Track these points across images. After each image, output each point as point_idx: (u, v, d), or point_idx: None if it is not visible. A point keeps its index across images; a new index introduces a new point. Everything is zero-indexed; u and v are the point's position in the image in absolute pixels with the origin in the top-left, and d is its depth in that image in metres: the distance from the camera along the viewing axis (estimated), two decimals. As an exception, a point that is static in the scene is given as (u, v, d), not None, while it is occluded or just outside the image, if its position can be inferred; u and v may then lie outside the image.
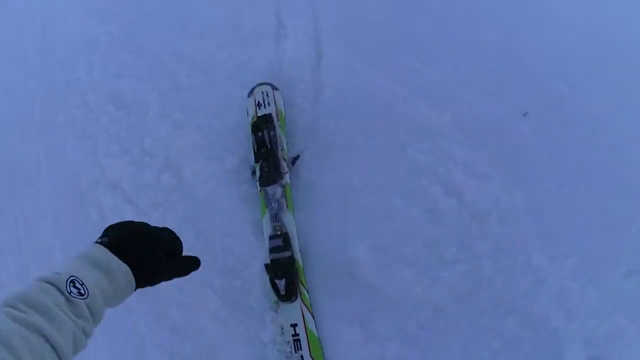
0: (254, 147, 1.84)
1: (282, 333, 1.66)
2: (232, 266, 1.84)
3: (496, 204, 1.74)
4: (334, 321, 1.66)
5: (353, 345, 1.63)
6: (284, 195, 1.83)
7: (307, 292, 1.67)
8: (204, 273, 1.90)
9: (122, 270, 0.69)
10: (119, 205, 2.11)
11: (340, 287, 1.69)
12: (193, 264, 0.81)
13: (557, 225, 1.68)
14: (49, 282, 0.61)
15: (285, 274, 1.63)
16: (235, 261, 1.84)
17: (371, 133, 1.92)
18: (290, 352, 1.62)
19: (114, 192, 2.15)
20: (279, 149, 1.89)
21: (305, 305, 1.66)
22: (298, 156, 1.92)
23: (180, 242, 0.82)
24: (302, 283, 1.68)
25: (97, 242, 0.71)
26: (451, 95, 1.95)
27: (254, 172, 1.94)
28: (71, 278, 0.62)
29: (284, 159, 1.89)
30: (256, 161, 1.84)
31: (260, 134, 1.81)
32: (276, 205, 1.81)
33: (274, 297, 1.69)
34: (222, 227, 1.92)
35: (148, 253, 0.73)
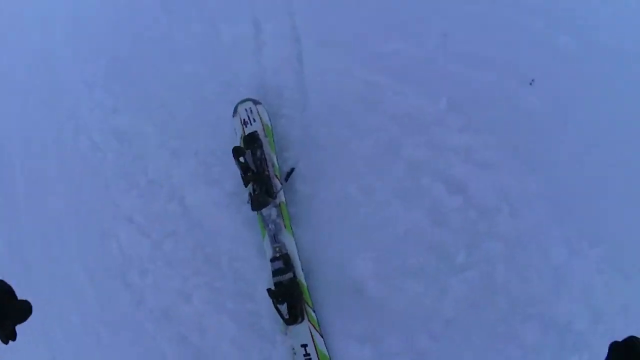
0: (240, 173, 1.77)
1: (294, 353, 1.63)
2: (242, 290, 1.81)
3: (506, 195, 1.56)
4: (343, 339, 1.59)
5: (365, 363, 1.56)
6: (280, 215, 1.75)
7: (314, 312, 1.61)
8: (217, 298, 1.97)
9: None
10: (135, 238, 2.15)
11: (347, 304, 1.61)
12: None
13: (578, 212, 1.48)
14: None
15: (286, 298, 1.58)
16: (244, 285, 1.82)
17: (362, 134, 1.78)
18: (303, 375, 1.60)
19: (129, 226, 2.19)
20: (269, 167, 1.81)
21: (313, 325, 1.60)
22: (293, 169, 1.82)
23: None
24: (307, 303, 1.62)
25: None
26: (442, 73, 1.75)
27: (250, 195, 1.88)
28: None
29: (276, 176, 1.80)
30: (245, 185, 1.77)
31: (241, 159, 1.72)
32: (273, 227, 1.74)
33: (282, 320, 1.65)
34: (229, 251, 1.90)
35: None
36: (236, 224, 1.91)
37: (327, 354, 1.57)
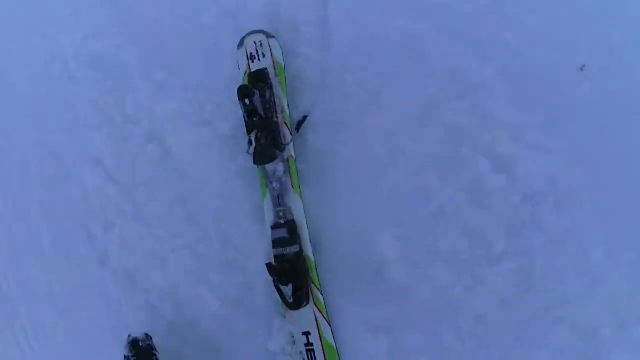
0: (244, 116, 1.40)
1: (294, 342, 1.33)
2: (231, 259, 1.48)
3: (552, 184, 1.29)
4: (354, 329, 1.31)
5: (376, 357, 1.28)
6: (288, 171, 1.40)
7: (322, 294, 1.31)
8: (199, 266, 1.62)
9: None
10: (102, 183, 1.75)
11: (362, 287, 1.32)
12: None
13: (621, 212, 1.24)
14: None
15: (292, 278, 1.26)
16: (234, 252, 1.48)
17: (396, 88, 1.43)
18: (303, 364, 1.31)
19: (96, 168, 1.77)
20: (278, 113, 1.44)
21: (320, 310, 1.30)
22: (305, 118, 1.46)
23: None
24: (314, 284, 1.32)
25: None
26: (496, 39, 1.41)
27: (251, 143, 1.51)
28: None
29: (286, 124, 1.44)
30: (248, 132, 1.40)
31: (248, 100, 1.35)
32: (278, 186, 1.40)
33: (280, 301, 1.34)
34: (217, 210, 1.54)
35: None
36: (229, 175, 1.54)
37: (334, 344, 1.28)
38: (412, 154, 1.36)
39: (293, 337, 1.33)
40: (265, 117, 1.37)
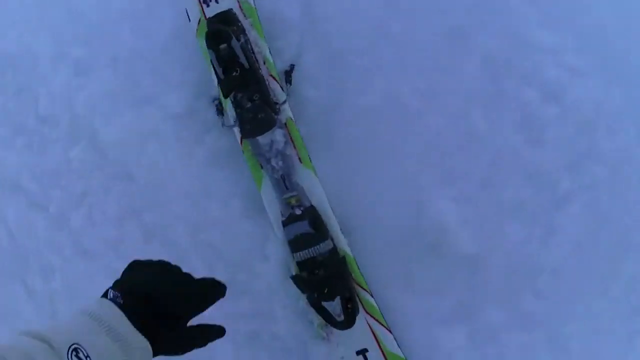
0: (216, 73, 0.93)
1: (345, 367, 0.97)
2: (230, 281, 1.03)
3: (598, 109, 1.09)
4: (421, 327, 0.98)
5: (456, 353, 0.99)
6: (290, 140, 0.98)
7: (372, 296, 0.95)
8: None
9: (141, 345, 0.50)
10: (24, 214, 1.14)
11: (420, 271, 0.99)
12: (217, 335, 0.59)
13: None
14: (46, 342, 0.43)
15: (336, 288, 0.87)
16: (229, 273, 1.03)
17: (410, 15, 1.07)
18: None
19: (17, 196, 1.16)
20: (261, 64, 1.00)
21: (374, 317, 0.94)
22: (292, 67, 1.04)
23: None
24: (360, 286, 0.95)
25: (110, 298, 0.52)
26: None
27: (219, 111, 1.04)
28: (74, 346, 0.45)
29: (272, 77, 1.00)
30: (225, 95, 0.94)
31: (224, 46, 0.89)
32: (280, 163, 0.97)
33: (318, 320, 0.95)
34: (188, 217, 1.06)
35: (173, 326, 0.54)
36: (197, 167, 1.07)
37: (401, 354, 0.94)
38: (448, 92, 1.03)
39: (345, 361, 0.96)
40: (249, 68, 0.91)
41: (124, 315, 0.51)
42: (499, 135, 1.03)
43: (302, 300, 0.96)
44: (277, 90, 0.99)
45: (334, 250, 0.93)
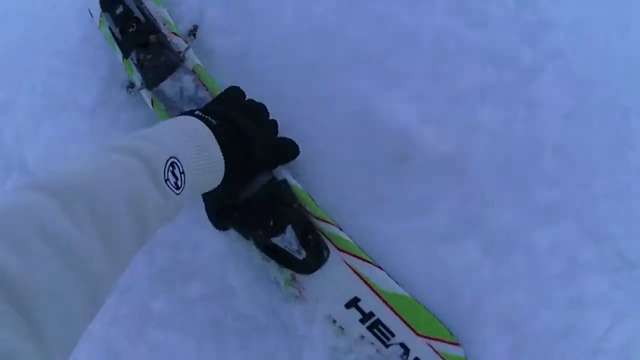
0: (113, 34, 0.84)
1: (342, 330, 0.71)
2: (174, 266, 0.82)
3: None
4: (417, 252, 0.75)
5: (479, 269, 0.75)
6: (201, 83, 0.85)
7: (341, 229, 0.74)
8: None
9: (220, 164, 0.50)
10: None
11: (393, 191, 0.78)
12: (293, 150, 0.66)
13: None
14: (138, 156, 0.38)
15: (283, 214, 0.67)
16: (173, 254, 0.83)
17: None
18: (377, 351, 0.69)
19: None
20: (160, 24, 0.91)
21: (352, 253, 0.72)
22: (196, 27, 0.95)
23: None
24: (322, 219, 0.74)
25: (201, 116, 0.52)
26: None
27: (130, 86, 0.93)
28: (172, 160, 0.40)
29: (174, 33, 0.91)
30: (126, 55, 0.84)
31: (119, 5, 0.83)
32: (193, 107, 0.83)
33: (279, 275, 0.73)
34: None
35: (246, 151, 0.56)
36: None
37: (402, 291, 0.70)
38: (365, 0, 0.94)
39: (334, 320, 0.71)
40: (146, 22, 0.83)
41: (211, 134, 0.48)
42: (432, 25, 0.90)
43: (255, 255, 0.74)
44: (180, 43, 0.89)
45: (274, 181, 0.74)
